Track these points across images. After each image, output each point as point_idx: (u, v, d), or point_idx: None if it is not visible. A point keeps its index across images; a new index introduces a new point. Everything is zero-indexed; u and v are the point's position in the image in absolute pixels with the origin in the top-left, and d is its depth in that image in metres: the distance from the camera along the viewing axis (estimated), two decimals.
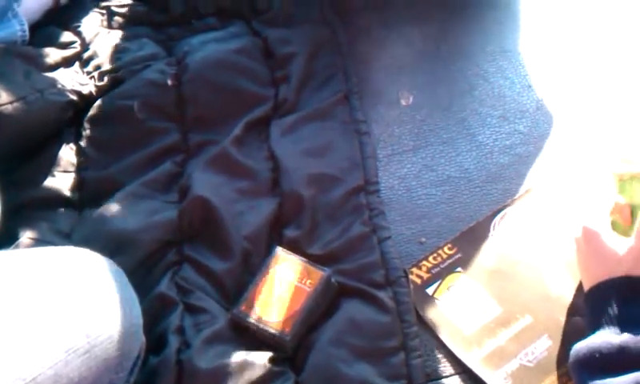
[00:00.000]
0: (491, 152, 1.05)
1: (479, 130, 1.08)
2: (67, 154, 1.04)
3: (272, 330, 0.84)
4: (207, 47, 1.13)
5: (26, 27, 1.13)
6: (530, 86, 1.14)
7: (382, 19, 1.26)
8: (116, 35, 1.16)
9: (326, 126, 1.06)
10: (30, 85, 1.03)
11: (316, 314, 0.87)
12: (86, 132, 1.06)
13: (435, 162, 1.05)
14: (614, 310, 0.70)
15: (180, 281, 0.91)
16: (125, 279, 0.78)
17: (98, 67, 1.11)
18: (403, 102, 1.13)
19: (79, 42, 1.14)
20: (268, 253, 0.91)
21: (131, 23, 1.19)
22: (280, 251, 0.91)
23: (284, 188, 0.99)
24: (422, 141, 1.08)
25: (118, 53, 1.13)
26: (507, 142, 1.06)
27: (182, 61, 1.12)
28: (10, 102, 0.99)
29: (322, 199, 0.98)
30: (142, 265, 0.92)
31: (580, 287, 0.82)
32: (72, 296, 0.72)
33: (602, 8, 1.26)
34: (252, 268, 0.91)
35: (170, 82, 1.09)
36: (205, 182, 0.99)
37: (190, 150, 1.06)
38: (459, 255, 0.92)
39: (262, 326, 0.85)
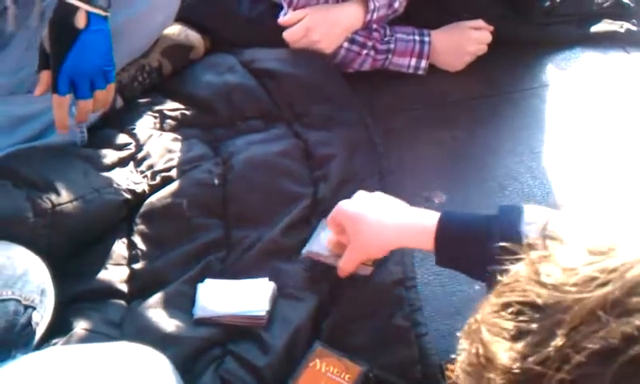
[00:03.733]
0: None
1: None
2: (119, 247, 1.11)
3: None
4: (252, 148, 1.21)
5: (85, 130, 1.22)
6: (559, 186, 1.19)
7: (413, 121, 1.33)
8: (167, 137, 1.24)
9: None
10: (88, 184, 1.11)
11: None
12: (138, 227, 1.12)
13: None
14: None
15: (223, 373, 0.95)
16: (177, 377, 0.82)
17: (150, 167, 1.19)
18: (436, 200, 1.19)
19: (134, 143, 1.23)
20: (308, 347, 0.95)
21: (181, 125, 1.27)
22: (319, 346, 0.95)
23: (323, 285, 1.04)
24: None
25: (169, 153, 1.21)
26: None
27: (227, 161, 1.20)
28: (70, 201, 1.06)
29: (362, 293, 1.02)
30: (187, 358, 0.96)
31: None
32: None
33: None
34: (292, 362, 0.95)
35: (216, 182, 1.16)
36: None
37: (233, 246, 1.11)
38: None
39: None
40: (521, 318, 0.45)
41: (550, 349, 0.42)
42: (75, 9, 1.03)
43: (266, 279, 1.03)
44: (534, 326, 0.44)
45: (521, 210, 0.86)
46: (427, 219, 0.92)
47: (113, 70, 1.12)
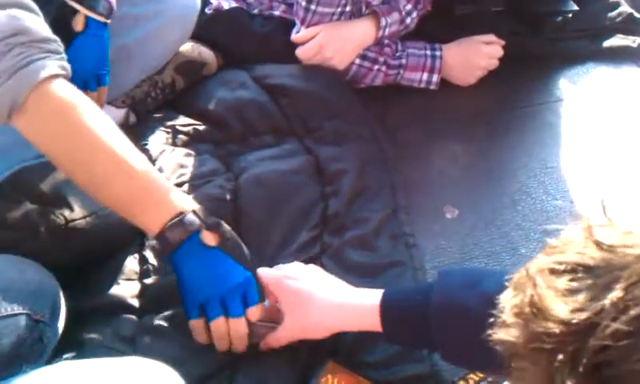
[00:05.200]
0: None
1: (522, 244, 1.12)
2: (131, 262, 1.11)
3: None
4: (263, 164, 1.22)
5: None
6: (572, 202, 1.18)
7: (426, 136, 1.33)
8: (180, 152, 1.24)
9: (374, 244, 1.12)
10: None
11: None
12: (149, 242, 1.12)
13: None
14: None
15: None
16: None
17: None
18: (448, 216, 1.18)
19: (146, 158, 1.23)
20: (321, 364, 0.95)
21: (194, 141, 1.28)
22: (331, 363, 0.94)
23: None
24: (467, 254, 1.12)
25: (181, 169, 1.21)
26: None
27: (239, 176, 1.20)
28: (84, 217, 1.06)
29: None
30: (198, 376, 0.95)
31: None
32: None
33: None
34: (304, 378, 0.94)
35: (228, 197, 1.16)
36: None
37: None
38: None
39: None
40: (573, 277, 0.45)
41: (607, 301, 0.42)
42: (75, 12, 1.04)
43: None
44: (588, 283, 0.44)
45: (455, 274, 0.86)
46: (370, 298, 0.87)
47: (107, 75, 1.12)
